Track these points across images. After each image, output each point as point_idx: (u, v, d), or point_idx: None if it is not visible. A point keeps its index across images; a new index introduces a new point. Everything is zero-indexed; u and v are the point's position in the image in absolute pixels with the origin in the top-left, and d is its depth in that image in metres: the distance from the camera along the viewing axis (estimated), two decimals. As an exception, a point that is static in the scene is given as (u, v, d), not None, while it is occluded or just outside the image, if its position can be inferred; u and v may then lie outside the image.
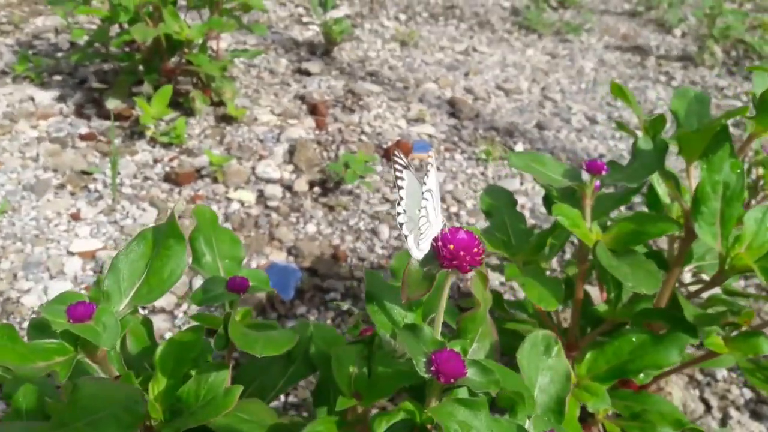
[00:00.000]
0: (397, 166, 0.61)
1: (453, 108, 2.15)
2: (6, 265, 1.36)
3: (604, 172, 0.78)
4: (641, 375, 0.87)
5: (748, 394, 1.21)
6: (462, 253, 0.52)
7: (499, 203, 0.95)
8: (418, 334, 0.57)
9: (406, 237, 0.58)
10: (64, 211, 1.52)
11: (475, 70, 2.43)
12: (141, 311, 1.28)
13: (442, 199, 1.70)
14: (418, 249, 0.56)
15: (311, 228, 1.55)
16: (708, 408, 1.19)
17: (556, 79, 2.44)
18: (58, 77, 2.03)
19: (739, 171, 0.75)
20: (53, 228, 1.47)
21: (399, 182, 0.60)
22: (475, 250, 0.52)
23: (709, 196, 0.75)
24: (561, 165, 0.83)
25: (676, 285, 0.94)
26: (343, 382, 0.63)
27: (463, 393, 0.65)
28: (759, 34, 2.74)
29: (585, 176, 0.85)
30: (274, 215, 1.59)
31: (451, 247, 0.52)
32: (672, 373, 1.01)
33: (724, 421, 1.16)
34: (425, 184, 0.56)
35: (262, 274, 0.77)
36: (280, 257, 1.46)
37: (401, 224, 0.59)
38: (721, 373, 1.25)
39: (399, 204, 0.59)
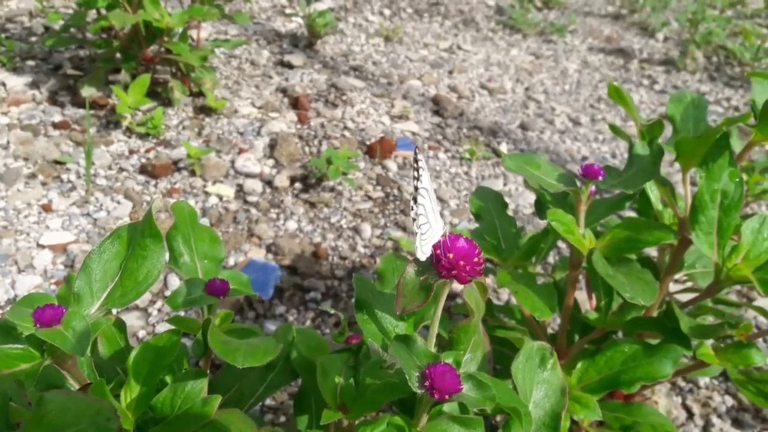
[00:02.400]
0: (418, 158, 0.54)
1: (437, 106, 2.11)
2: (-29, 257, 1.30)
3: (600, 177, 0.75)
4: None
5: (729, 401, 1.20)
6: (462, 262, 0.48)
7: (489, 205, 0.92)
8: (410, 346, 0.53)
9: (416, 234, 0.53)
10: (34, 202, 1.46)
11: (459, 68, 2.40)
12: (113, 310, 1.23)
13: (426, 198, 1.67)
14: (422, 251, 0.52)
15: (292, 225, 1.51)
16: (690, 415, 1.17)
17: (540, 79, 2.42)
18: (31, 62, 1.95)
19: (737, 180, 0.73)
20: (23, 219, 1.41)
21: (419, 174, 0.53)
22: (476, 259, 0.49)
23: (707, 205, 0.73)
24: (556, 168, 0.80)
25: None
26: (328, 394, 0.60)
27: (451, 407, 0.62)
28: (740, 40, 2.76)
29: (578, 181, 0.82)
30: (253, 211, 1.54)
31: (451, 256, 0.49)
32: (658, 383, 0.99)
33: (706, 429, 1.15)
34: (420, 180, 0.52)
35: (244, 276, 0.73)
36: (259, 254, 1.42)
37: (414, 219, 0.54)
38: (703, 380, 1.24)
39: (416, 200, 0.53)
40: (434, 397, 0.50)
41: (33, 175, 1.54)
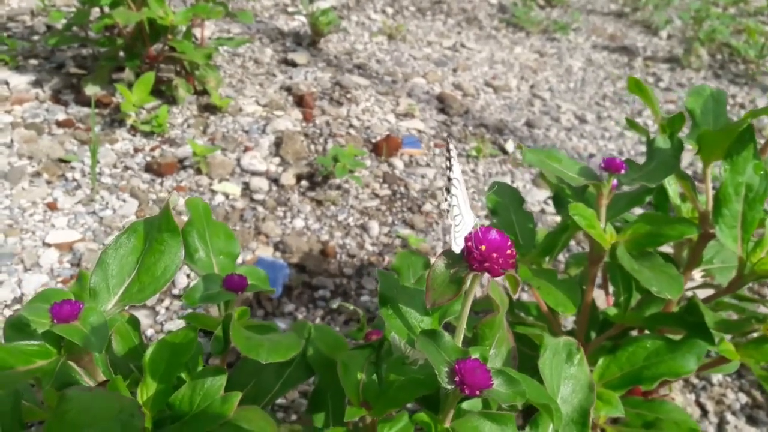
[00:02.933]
0: (450, 147, 0.52)
1: (442, 103, 2.10)
2: (-24, 256, 1.28)
3: (623, 171, 0.74)
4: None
5: (744, 398, 1.19)
6: (494, 255, 0.47)
7: (506, 201, 0.91)
8: (438, 341, 0.52)
9: (451, 227, 0.52)
10: (39, 201, 1.45)
11: (463, 66, 2.39)
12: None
13: (433, 196, 1.66)
14: (456, 243, 0.51)
15: (299, 223, 1.50)
16: (704, 413, 1.16)
17: (544, 77, 2.41)
18: (34, 61, 1.94)
19: (762, 173, 0.71)
20: (28, 218, 1.39)
21: (451, 165, 0.51)
22: (508, 251, 0.48)
23: (731, 198, 0.72)
24: (576, 163, 0.79)
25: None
26: (351, 390, 0.58)
27: (472, 403, 0.61)
28: (744, 38, 2.75)
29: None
30: (260, 209, 1.53)
31: (483, 248, 0.47)
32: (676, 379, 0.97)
33: (720, 426, 1.14)
34: (451, 170, 0.51)
35: (261, 272, 0.71)
36: (266, 252, 1.41)
37: (447, 211, 0.52)
38: (717, 377, 1.23)
39: (449, 190, 0.51)
40: (465, 393, 0.48)
41: (38, 174, 1.52)
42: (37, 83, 1.83)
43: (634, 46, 2.77)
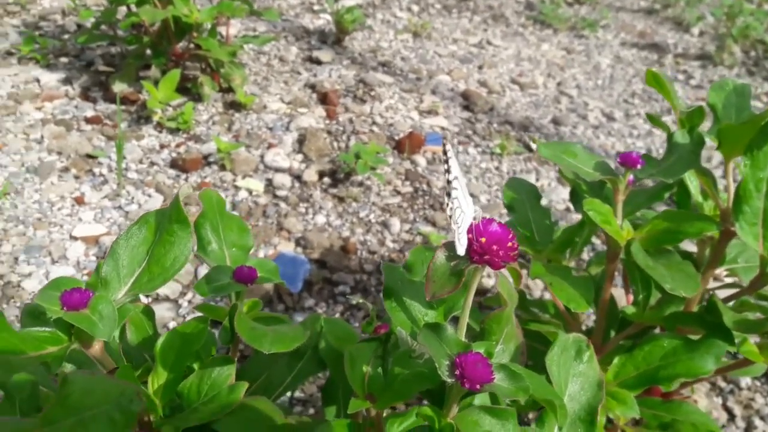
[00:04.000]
0: (446, 148, 0.52)
1: (467, 101, 2.09)
2: (7, 248, 1.31)
3: (639, 166, 0.73)
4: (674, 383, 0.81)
5: (771, 403, 1.16)
6: (495, 247, 0.46)
7: (523, 197, 0.90)
8: (440, 334, 0.51)
9: (456, 228, 0.51)
10: (67, 195, 1.48)
11: (489, 63, 2.37)
12: (144, 299, 1.24)
13: (455, 193, 1.65)
14: (461, 243, 0.50)
15: (320, 219, 1.50)
16: (731, 417, 1.13)
17: (572, 74, 2.38)
18: (64, 59, 1.98)
19: (785, 168, 0.69)
20: (56, 212, 1.42)
21: (449, 166, 0.51)
22: (509, 244, 0.47)
23: (751, 194, 0.70)
24: (593, 157, 0.78)
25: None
26: (356, 383, 0.58)
27: (482, 399, 0.60)
28: (780, 34, 2.67)
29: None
30: (282, 205, 1.54)
31: (483, 240, 0.47)
32: (698, 381, 0.95)
33: (747, 431, 1.11)
34: (450, 172, 0.50)
35: (271, 264, 0.72)
36: (288, 248, 1.42)
37: (450, 216, 0.51)
38: (745, 381, 1.20)
39: (449, 194, 0.50)
40: (465, 387, 0.48)
41: (66, 169, 1.55)
42: (67, 81, 1.87)
43: (664, 43, 2.72)
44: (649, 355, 0.74)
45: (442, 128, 1.92)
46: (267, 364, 0.78)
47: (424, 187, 1.65)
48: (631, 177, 0.75)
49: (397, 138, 1.82)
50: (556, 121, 2.06)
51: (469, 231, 0.48)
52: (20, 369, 0.51)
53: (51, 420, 0.42)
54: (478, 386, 0.48)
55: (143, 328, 0.72)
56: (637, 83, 2.35)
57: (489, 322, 0.59)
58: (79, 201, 1.46)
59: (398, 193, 1.63)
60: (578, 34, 2.74)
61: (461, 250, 0.48)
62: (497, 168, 1.78)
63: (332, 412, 0.76)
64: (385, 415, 0.60)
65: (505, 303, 0.60)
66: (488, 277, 1.37)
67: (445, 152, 0.50)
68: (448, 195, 0.50)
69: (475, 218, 0.49)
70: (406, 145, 1.76)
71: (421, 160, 1.74)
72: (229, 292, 0.67)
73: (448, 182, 0.50)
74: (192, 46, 1.85)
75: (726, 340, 0.71)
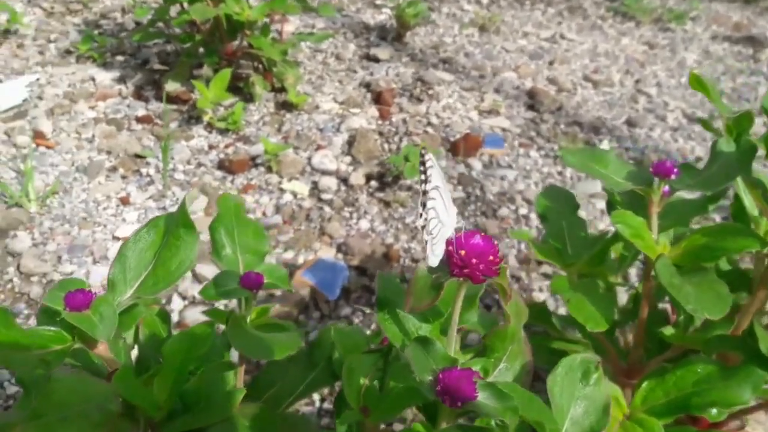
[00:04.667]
0: (426, 158, 0.55)
1: (532, 99, 2.08)
2: (52, 246, 1.42)
3: (673, 176, 0.72)
4: (713, 411, 0.80)
5: None
6: (474, 260, 0.48)
7: (558, 206, 0.90)
8: (428, 348, 0.53)
9: (430, 239, 0.54)
10: (113, 195, 1.58)
11: (561, 58, 2.35)
12: (179, 303, 1.31)
13: (512, 200, 1.65)
14: (434, 254, 0.53)
15: (364, 224, 1.54)
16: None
17: (652, 71, 2.32)
18: (120, 57, 2.11)
19: (838, 180, 0.67)
20: (101, 211, 1.53)
21: (427, 177, 0.54)
22: (491, 258, 0.49)
23: (799, 209, 0.68)
24: (626, 165, 0.77)
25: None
26: (351, 395, 0.61)
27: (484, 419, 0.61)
28: None
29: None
30: (326, 209, 1.58)
31: (463, 253, 0.48)
32: (755, 411, 0.92)
33: (820, 472, 1.06)
34: (429, 182, 0.52)
35: (281, 271, 0.75)
36: (329, 254, 1.46)
37: (423, 227, 0.54)
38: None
39: (425, 205, 0.53)
40: (445, 404, 0.50)
41: (114, 168, 1.66)
42: (121, 79, 2.00)
43: (762, 35, 2.60)
44: (681, 380, 0.72)
45: (503, 129, 1.92)
46: (281, 374, 0.82)
47: (478, 192, 1.66)
48: (666, 188, 0.74)
49: (452, 139, 1.84)
50: (630, 123, 2.01)
51: (450, 243, 0.50)
52: (23, 365, 0.56)
53: (38, 415, 0.47)
54: (459, 404, 0.50)
55: (157, 330, 0.78)
56: (726, 81, 2.26)
57: (491, 338, 0.61)
58: (125, 201, 1.56)
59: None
60: (663, 27, 2.67)
61: (433, 261, 0.50)
62: (560, 173, 1.77)
63: (343, 425, 0.79)
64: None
65: (508, 319, 0.61)
66: (540, 291, 1.36)
67: (423, 162, 0.52)
68: (423, 205, 0.52)
69: (458, 230, 0.51)
70: (461, 148, 1.78)
71: (476, 163, 1.75)
72: (235, 298, 0.71)
73: (424, 192, 0.52)
74: (245, 44, 1.93)
75: (764, 368, 0.69)
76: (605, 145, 1.91)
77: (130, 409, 0.62)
